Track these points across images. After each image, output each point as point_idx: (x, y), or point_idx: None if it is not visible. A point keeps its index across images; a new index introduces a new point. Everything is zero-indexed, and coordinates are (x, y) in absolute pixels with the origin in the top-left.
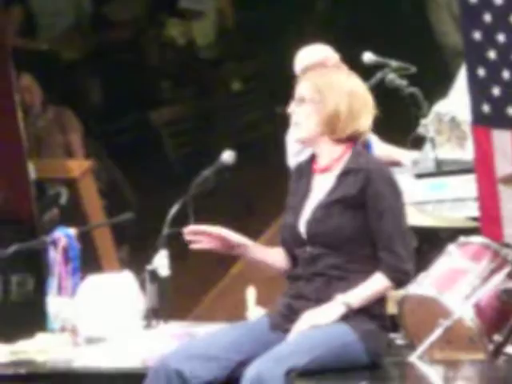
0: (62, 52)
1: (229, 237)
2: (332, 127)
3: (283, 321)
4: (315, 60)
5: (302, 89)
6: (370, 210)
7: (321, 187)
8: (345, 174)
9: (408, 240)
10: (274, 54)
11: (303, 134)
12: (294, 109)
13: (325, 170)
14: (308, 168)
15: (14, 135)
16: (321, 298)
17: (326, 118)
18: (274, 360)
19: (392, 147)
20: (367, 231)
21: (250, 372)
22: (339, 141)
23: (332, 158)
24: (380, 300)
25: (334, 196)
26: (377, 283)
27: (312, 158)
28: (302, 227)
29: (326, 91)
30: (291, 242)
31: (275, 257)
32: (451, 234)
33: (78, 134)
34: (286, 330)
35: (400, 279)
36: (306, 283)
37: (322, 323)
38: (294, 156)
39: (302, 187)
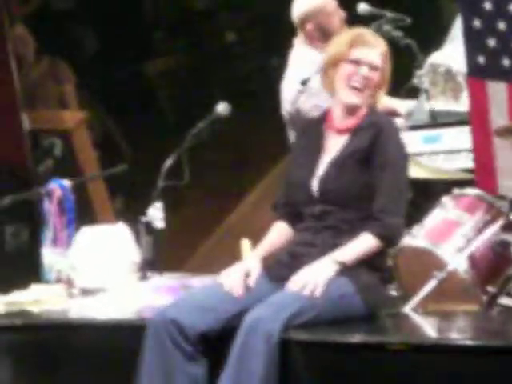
0: (56, 1)
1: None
2: (378, 97)
3: (283, 270)
4: (313, 6)
5: (374, 56)
6: (374, 160)
7: (335, 146)
8: (358, 131)
9: (405, 196)
10: (268, 4)
11: (361, 101)
12: (365, 72)
13: (343, 131)
14: (320, 126)
15: (7, 86)
16: (327, 246)
17: (384, 88)
18: (275, 308)
19: (388, 97)
20: (368, 186)
21: (250, 317)
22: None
23: (353, 119)
24: (380, 252)
25: (346, 152)
26: (365, 242)
27: (324, 116)
28: (315, 185)
29: (387, 62)
30: (301, 200)
31: (279, 242)
32: (445, 186)
33: (72, 84)
34: (285, 279)
35: (388, 237)
36: (314, 233)
37: (319, 283)
38: (291, 103)
39: (313, 145)
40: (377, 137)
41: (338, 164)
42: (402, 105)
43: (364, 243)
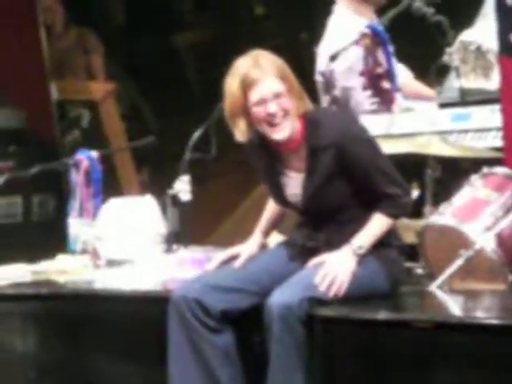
0: None
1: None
2: (301, 106)
3: (299, 254)
4: None
5: (272, 85)
6: (353, 173)
7: (297, 169)
8: (314, 154)
9: (395, 174)
10: None
11: (288, 129)
12: (274, 109)
13: (292, 148)
14: (263, 146)
15: (36, 55)
16: (331, 242)
17: (298, 99)
18: (301, 287)
19: (419, 84)
20: (358, 191)
21: (276, 298)
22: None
23: (294, 135)
24: (391, 231)
25: (316, 178)
26: (378, 224)
27: (261, 138)
28: (299, 205)
29: (287, 74)
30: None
31: (276, 220)
32: (474, 165)
33: (100, 55)
34: (303, 262)
35: (398, 214)
36: (314, 231)
37: (344, 281)
38: (321, 74)
39: (271, 167)
40: (341, 157)
41: (313, 190)
42: (428, 89)
43: (378, 225)
